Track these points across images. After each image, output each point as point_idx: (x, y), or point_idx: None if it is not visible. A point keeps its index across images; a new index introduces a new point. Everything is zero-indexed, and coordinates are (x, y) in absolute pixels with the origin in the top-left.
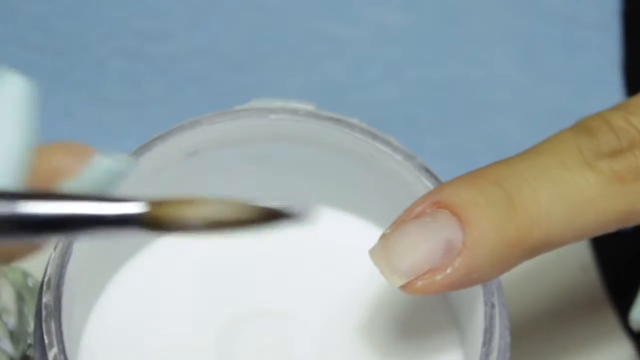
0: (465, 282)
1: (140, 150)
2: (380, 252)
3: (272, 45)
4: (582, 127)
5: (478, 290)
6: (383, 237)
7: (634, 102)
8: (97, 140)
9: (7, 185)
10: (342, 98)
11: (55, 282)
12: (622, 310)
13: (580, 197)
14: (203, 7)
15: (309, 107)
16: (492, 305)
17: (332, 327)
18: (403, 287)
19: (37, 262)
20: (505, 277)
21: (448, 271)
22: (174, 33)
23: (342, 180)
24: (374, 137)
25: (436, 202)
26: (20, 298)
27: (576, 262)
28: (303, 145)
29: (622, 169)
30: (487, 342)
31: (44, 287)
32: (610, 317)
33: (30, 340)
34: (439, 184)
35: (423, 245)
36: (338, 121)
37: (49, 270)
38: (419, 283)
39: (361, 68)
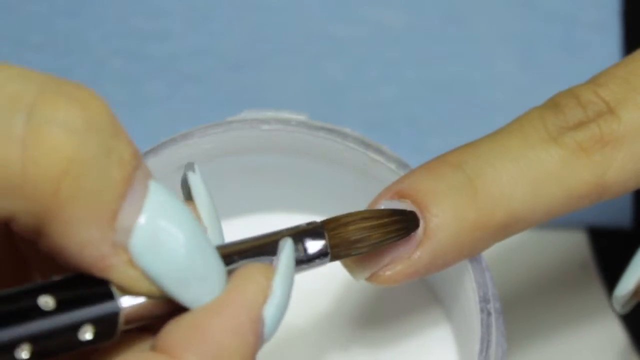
0: (430, 268)
1: None
2: None
3: (272, 45)
4: (551, 103)
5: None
6: None
7: (603, 74)
8: None
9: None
10: (342, 98)
11: None
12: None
13: (544, 172)
14: (203, 8)
15: (301, 117)
16: (489, 313)
17: (324, 330)
18: (368, 279)
19: None
20: (503, 276)
21: (411, 260)
22: (174, 33)
23: (336, 189)
24: (367, 146)
25: (398, 192)
26: None
27: (576, 260)
28: (296, 155)
29: (585, 140)
30: (484, 350)
31: None
32: (610, 316)
33: None
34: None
35: None
36: (330, 131)
37: None
38: (383, 274)
39: (361, 68)
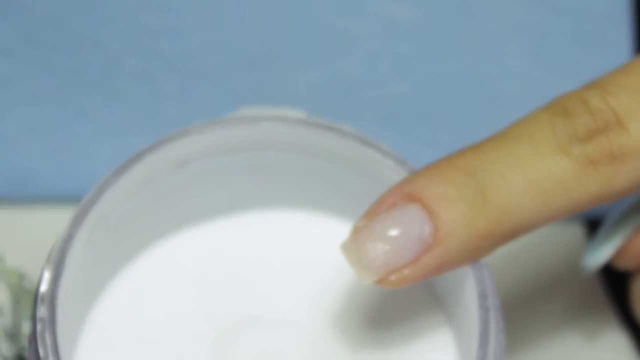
0: (435, 273)
1: (129, 162)
2: (351, 247)
3: (285, 42)
4: (558, 108)
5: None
6: (354, 230)
7: (611, 80)
8: (111, 138)
9: None
10: (355, 94)
11: (50, 296)
12: (620, 304)
13: (552, 184)
14: (215, 4)
15: (300, 114)
16: (487, 309)
17: (327, 331)
18: (374, 282)
19: (34, 264)
20: (500, 271)
21: (418, 265)
22: (187, 30)
23: (334, 187)
24: (365, 143)
25: (408, 195)
26: (16, 300)
27: (573, 254)
28: (294, 152)
29: (595, 154)
30: (482, 346)
31: (39, 300)
32: (609, 313)
33: (24, 342)
34: (412, 173)
35: (394, 242)
36: (328, 128)
37: (42, 284)
38: (390, 277)
39: (374, 64)
